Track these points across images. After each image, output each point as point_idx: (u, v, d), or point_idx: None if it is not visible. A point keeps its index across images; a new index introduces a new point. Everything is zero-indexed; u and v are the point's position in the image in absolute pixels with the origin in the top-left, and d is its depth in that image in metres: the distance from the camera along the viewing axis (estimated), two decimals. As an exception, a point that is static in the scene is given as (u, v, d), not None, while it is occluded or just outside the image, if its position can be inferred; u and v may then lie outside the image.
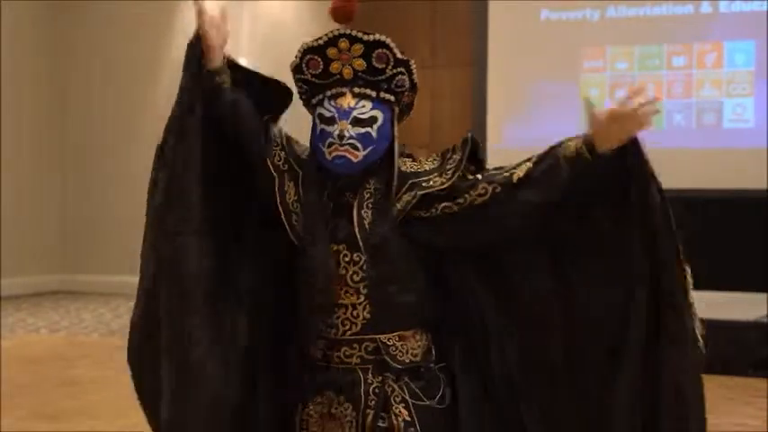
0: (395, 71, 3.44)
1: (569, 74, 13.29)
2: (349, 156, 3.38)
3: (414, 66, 3.46)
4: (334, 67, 3.47)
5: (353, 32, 3.51)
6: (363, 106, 3.41)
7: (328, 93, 3.45)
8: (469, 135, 3.50)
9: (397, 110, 3.49)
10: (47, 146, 16.04)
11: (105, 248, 15.91)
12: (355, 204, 3.42)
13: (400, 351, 3.42)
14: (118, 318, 13.39)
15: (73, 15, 16.05)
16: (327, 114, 3.41)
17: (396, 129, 3.49)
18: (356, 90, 3.43)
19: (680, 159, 12.74)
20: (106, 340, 11.89)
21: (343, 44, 3.49)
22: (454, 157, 3.46)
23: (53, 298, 15.34)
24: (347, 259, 3.41)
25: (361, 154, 3.39)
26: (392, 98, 3.46)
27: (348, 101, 3.41)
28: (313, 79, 3.51)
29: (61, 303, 14.79)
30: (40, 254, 16.00)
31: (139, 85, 15.69)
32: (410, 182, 3.42)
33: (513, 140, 13.51)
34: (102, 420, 7.90)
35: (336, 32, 3.54)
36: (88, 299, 15.19)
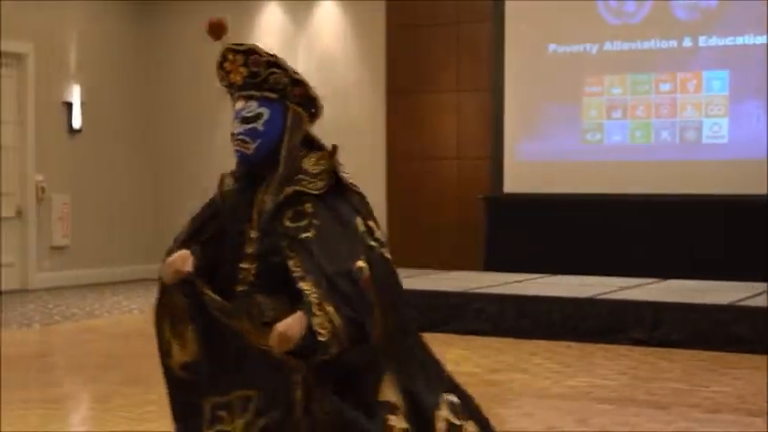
0: (269, 71, 3.40)
1: (573, 97, 13.24)
2: (242, 149, 3.37)
3: (284, 63, 3.43)
4: (231, 77, 3.44)
5: (232, 45, 3.43)
6: (250, 106, 3.39)
7: (234, 100, 3.45)
8: (333, 146, 3.48)
9: (289, 104, 3.44)
10: (142, 157, 16.11)
11: (186, 243, 15.95)
12: (260, 190, 3.41)
13: (268, 308, 3.33)
14: (197, 300, 13.40)
15: (161, 24, 16.14)
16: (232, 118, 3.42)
17: (290, 121, 3.44)
18: (245, 94, 3.41)
19: (665, 169, 12.69)
20: (187, 319, 11.91)
21: (230, 56, 3.43)
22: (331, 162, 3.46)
23: (144, 284, 15.38)
24: (250, 236, 3.38)
25: (252, 146, 3.36)
26: (274, 95, 3.40)
27: (239, 104, 3.41)
28: (228, 91, 3.49)
29: (150, 288, 14.79)
30: (136, 247, 16.06)
31: (216, 100, 15.75)
32: (299, 176, 3.38)
33: (527, 154, 13.47)
34: (184, 385, 7.91)
35: (223, 48, 3.44)
36: (172, 285, 15.20)
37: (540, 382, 8.08)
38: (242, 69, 3.41)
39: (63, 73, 15.00)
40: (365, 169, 14.72)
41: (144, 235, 16.11)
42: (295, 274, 3.24)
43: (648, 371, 8.58)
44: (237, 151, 3.39)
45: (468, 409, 3.44)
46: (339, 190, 3.40)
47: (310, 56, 15.02)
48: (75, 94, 15.07)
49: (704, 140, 12.62)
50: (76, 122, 15.10)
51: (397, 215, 14.42)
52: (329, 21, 14.97)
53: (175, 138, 16.10)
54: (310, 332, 3.13)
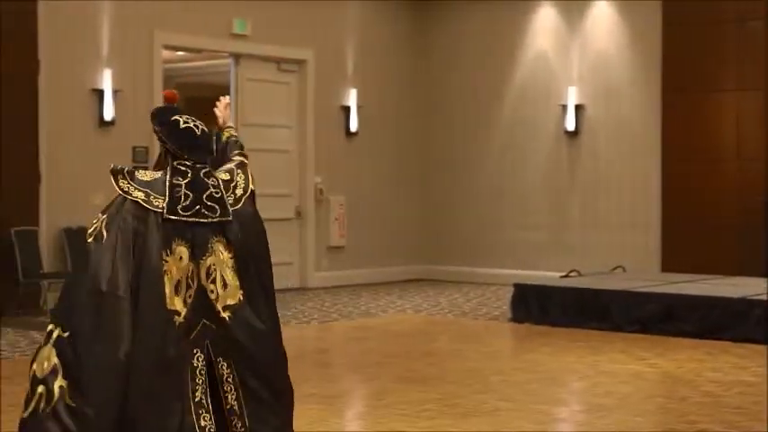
0: None
1: None
2: None
3: (151, 118, 4.36)
4: None
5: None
6: None
7: None
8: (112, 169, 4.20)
9: (161, 144, 4.34)
10: (415, 159, 16.43)
11: (458, 245, 16.15)
12: None
13: None
14: (468, 301, 13.55)
15: (437, 24, 16.40)
16: None
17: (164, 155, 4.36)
18: None
19: None
20: (459, 320, 12.05)
21: None
22: None
23: (416, 284, 15.66)
24: None
25: None
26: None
27: None
28: None
29: (423, 289, 15.09)
30: (408, 249, 16.39)
31: (491, 101, 15.86)
32: None
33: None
34: (458, 384, 8.01)
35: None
36: (444, 286, 15.44)
37: (825, 394, 7.75)
38: None
39: (341, 77, 15.49)
40: (639, 169, 14.50)
41: (415, 236, 16.42)
42: None
43: None
44: None
45: None
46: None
47: (584, 56, 14.92)
48: (352, 98, 15.53)
49: None
50: (353, 126, 15.55)
51: (673, 217, 14.12)
52: (603, 21, 14.82)
53: (449, 139, 16.32)
54: None
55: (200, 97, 16.91)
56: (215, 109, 4.63)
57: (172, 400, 3.96)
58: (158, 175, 4.21)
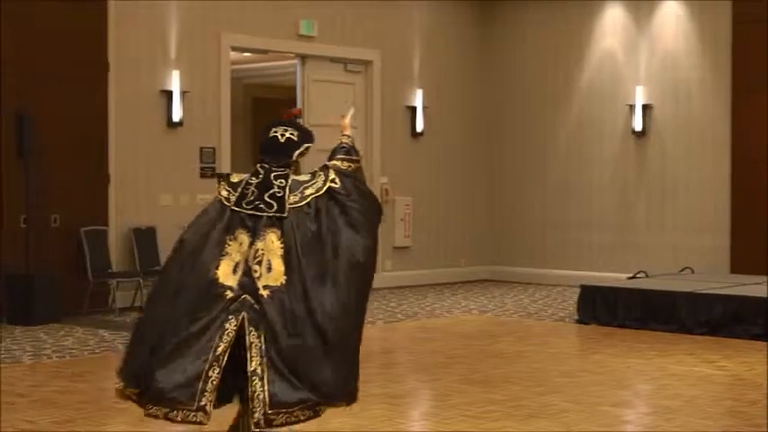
0: None
1: None
2: None
3: None
4: None
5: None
6: None
7: None
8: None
9: None
10: (481, 160, 16.40)
11: (524, 246, 16.09)
12: None
13: None
14: (534, 303, 13.49)
15: (503, 24, 16.36)
16: None
17: None
18: None
19: None
20: (525, 321, 12.00)
21: None
22: None
23: (482, 285, 15.63)
24: None
25: None
26: None
27: None
28: None
29: (488, 289, 15.05)
30: (474, 249, 16.36)
31: (558, 100, 15.79)
32: None
33: None
34: (522, 386, 7.98)
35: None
36: (510, 286, 15.39)
37: None
38: None
39: (407, 78, 15.49)
40: (708, 170, 14.33)
41: (481, 237, 16.38)
42: None
43: None
44: None
45: None
46: None
47: (652, 55, 14.79)
48: (417, 99, 15.53)
49: None
50: (419, 126, 15.55)
51: (743, 218, 13.94)
52: (672, 20, 14.67)
53: (515, 140, 16.26)
54: None
55: (267, 98, 17.08)
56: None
57: (192, 347, 4.64)
58: (246, 176, 5.04)
